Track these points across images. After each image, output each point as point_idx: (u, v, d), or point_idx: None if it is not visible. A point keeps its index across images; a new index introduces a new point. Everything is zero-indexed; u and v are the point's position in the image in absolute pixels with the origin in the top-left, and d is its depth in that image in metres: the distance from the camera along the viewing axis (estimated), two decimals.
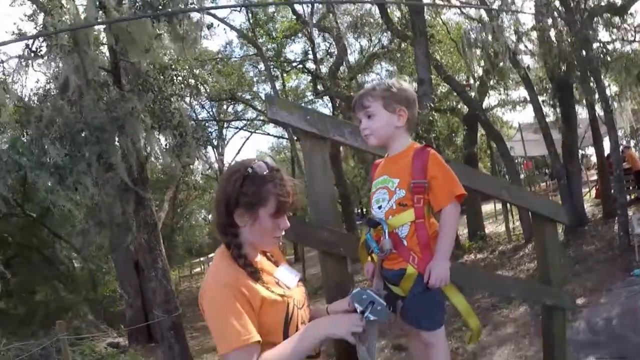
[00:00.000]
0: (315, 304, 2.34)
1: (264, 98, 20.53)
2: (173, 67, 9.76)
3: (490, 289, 3.46)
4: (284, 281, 1.95)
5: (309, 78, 22.35)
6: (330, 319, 1.93)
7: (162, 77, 9.05)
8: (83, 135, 7.82)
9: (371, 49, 20.57)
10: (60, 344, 7.75)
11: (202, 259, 29.54)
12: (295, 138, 14.98)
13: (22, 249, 16.60)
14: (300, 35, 20.30)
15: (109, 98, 8.48)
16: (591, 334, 6.97)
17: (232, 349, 1.68)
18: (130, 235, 9.23)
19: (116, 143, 8.48)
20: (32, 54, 8.48)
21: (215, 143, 24.52)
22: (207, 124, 22.25)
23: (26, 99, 9.43)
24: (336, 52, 19.22)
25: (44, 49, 8.59)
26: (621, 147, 20.39)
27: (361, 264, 2.45)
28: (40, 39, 8.50)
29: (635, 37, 15.31)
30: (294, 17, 19.31)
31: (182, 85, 9.57)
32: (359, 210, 37.60)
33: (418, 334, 2.28)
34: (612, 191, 13.76)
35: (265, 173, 1.83)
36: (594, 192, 20.02)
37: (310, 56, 20.82)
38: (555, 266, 3.70)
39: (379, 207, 2.24)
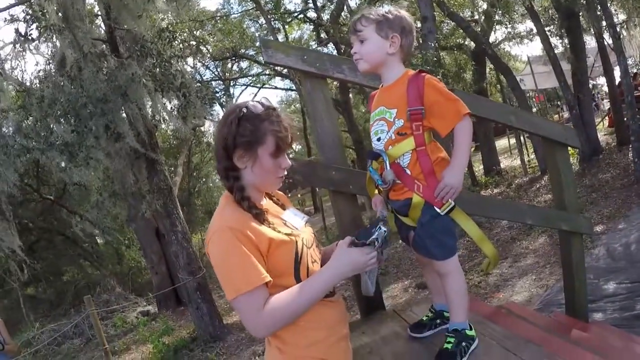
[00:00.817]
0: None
1: (259, 37, 20.29)
2: (171, 29, 9.63)
3: (505, 216, 3.44)
4: (291, 222, 1.92)
5: (312, 27, 22.02)
6: (342, 259, 1.82)
7: (159, 40, 8.92)
8: (87, 109, 7.77)
9: None
10: (91, 320, 7.88)
11: None
12: (299, 82, 14.82)
13: (43, 232, 16.85)
14: None
15: (108, 68, 8.42)
16: (611, 260, 6.97)
17: (239, 293, 1.66)
18: (145, 202, 9.26)
19: (122, 112, 8.46)
20: (22, 39, 8.42)
21: (224, 102, 24.42)
22: (213, 84, 22.13)
23: (28, 83, 9.40)
24: None
25: (35, 32, 8.53)
26: (634, 73, 20.12)
27: (370, 196, 2.42)
28: (30, 22, 8.43)
29: None
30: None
31: (181, 46, 9.45)
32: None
33: (431, 264, 2.27)
34: (625, 119, 13.63)
35: (260, 111, 1.79)
36: (607, 120, 19.84)
37: (311, 4, 20.47)
38: (570, 190, 3.67)
39: (378, 139, 2.21)
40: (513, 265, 8.10)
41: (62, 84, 8.22)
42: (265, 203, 1.95)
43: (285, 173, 1.91)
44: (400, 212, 2.23)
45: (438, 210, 2.10)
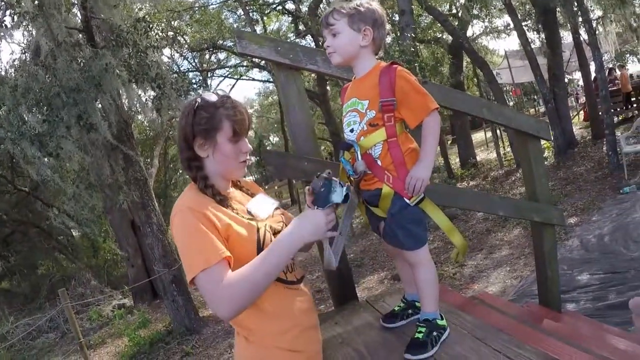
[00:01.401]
0: None
1: (233, 29, 20.18)
2: (148, 19, 9.52)
3: (477, 207, 3.48)
4: (256, 210, 1.92)
5: (290, 19, 21.95)
6: (299, 223, 1.77)
7: (136, 30, 8.81)
8: (60, 98, 7.66)
9: None
10: (66, 314, 7.81)
11: None
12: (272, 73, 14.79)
13: (18, 225, 16.62)
14: None
15: (83, 58, 8.31)
16: (584, 251, 7.09)
17: (198, 270, 1.62)
18: (122, 193, 9.19)
19: (97, 103, 8.36)
20: None
21: (201, 92, 24.25)
22: (190, 75, 21.98)
23: (2, 72, 9.23)
24: None
25: (9, 20, 8.38)
26: (616, 67, 20.40)
27: None
28: (4, 8, 8.30)
29: None
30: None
31: (158, 37, 9.33)
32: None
33: (402, 254, 2.28)
34: (600, 112, 13.83)
35: (215, 100, 1.83)
36: (582, 114, 20.11)
37: None
38: (542, 182, 3.71)
39: (351, 130, 2.22)
40: (488, 257, 8.18)
41: (36, 73, 8.10)
42: (232, 191, 1.97)
43: (248, 157, 1.92)
44: (370, 203, 2.24)
45: (407, 201, 2.13)
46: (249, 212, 1.89)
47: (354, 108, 2.21)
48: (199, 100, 1.84)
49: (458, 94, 3.27)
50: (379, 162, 2.15)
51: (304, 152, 2.67)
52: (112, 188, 9.67)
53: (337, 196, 1.78)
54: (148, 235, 9.44)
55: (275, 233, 1.88)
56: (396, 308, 2.57)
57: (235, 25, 21.87)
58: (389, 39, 11.24)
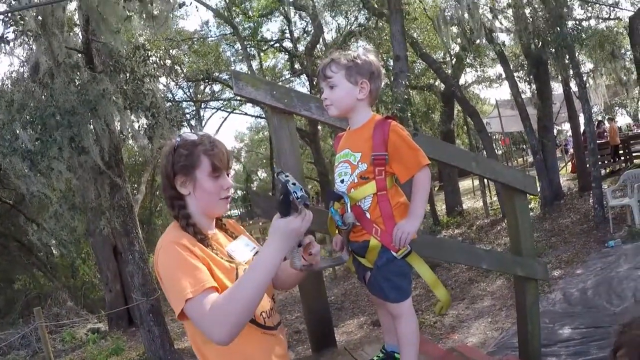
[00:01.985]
0: None
1: (231, 70, 20.38)
2: (146, 47, 9.60)
3: (461, 259, 3.49)
4: (235, 253, 1.92)
5: (286, 57, 22.18)
6: (275, 236, 1.69)
7: (134, 57, 8.88)
8: (55, 119, 7.66)
9: (348, 27, 20.44)
10: (39, 332, 7.69)
11: None
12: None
13: None
14: (276, 14, 20.12)
15: (80, 80, 8.34)
16: (567, 305, 7.08)
17: (186, 298, 1.59)
18: (104, 219, 9.12)
19: (90, 126, 8.35)
20: None
21: (193, 123, 24.29)
22: (184, 105, 22.05)
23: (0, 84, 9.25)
24: (313, 31, 19.07)
25: (11, 35, 8.42)
26: (605, 119, 20.71)
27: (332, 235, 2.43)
28: (7, 24, 8.33)
29: (610, 15, 15.50)
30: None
31: (156, 65, 9.41)
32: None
33: (385, 304, 2.28)
34: (587, 165, 13.97)
35: (194, 138, 1.87)
36: (570, 166, 20.31)
37: (287, 35, 20.65)
38: (526, 237, 3.74)
39: (342, 181, 2.23)
40: (470, 307, 8.16)
41: (33, 90, 8.12)
42: (215, 233, 1.96)
43: (230, 194, 1.93)
44: (358, 253, 2.24)
45: (394, 254, 2.14)
46: (229, 255, 1.89)
47: (347, 159, 2.23)
48: (178, 139, 1.88)
49: (448, 147, 3.32)
50: (368, 215, 2.16)
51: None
52: (95, 212, 9.59)
53: (299, 196, 1.69)
54: (129, 263, 9.34)
55: None
56: (375, 358, 2.55)
57: (232, 59, 22.07)
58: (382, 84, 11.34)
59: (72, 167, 8.41)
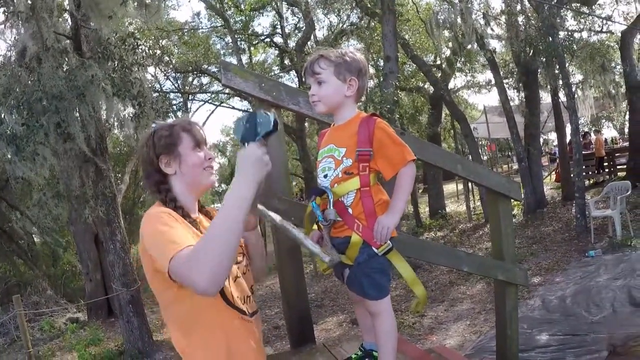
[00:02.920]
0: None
1: (219, 60, 20.31)
2: (136, 35, 9.52)
3: (443, 261, 3.50)
4: None
5: (276, 52, 22.17)
6: (239, 167, 1.64)
7: (124, 45, 8.80)
8: (41, 104, 7.58)
9: (340, 25, 20.45)
10: (17, 320, 7.62)
11: None
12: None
13: None
14: (269, 8, 20.10)
15: (69, 65, 8.25)
16: (545, 311, 7.14)
17: (171, 255, 1.57)
18: (89, 207, 9.04)
19: (76, 112, 8.26)
20: None
21: (180, 115, 24.13)
22: (171, 96, 21.95)
23: None
24: (304, 28, 19.07)
25: (1, 16, 8.34)
26: (591, 131, 20.95)
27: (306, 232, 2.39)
28: None
29: (602, 28, 15.64)
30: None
31: (144, 54, 9.31)
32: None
33: (363, 302, 2.27)
34: (572, 175, 14.09)
35: (169, 121, 1.98)
36: (554, 175, 20.47)
37: (279, 30, 20.64)
38: (509, 242, 3.75)
39: (325, 176, 2.22)
40: (449, 309, 8.19)
41: (20, 74, 8.01)
42: (199, 216, 1.98)
43: (212, 164, 1.96)
44: (338, 250, 2.23)
45: (375, 250, 2.13)
46: None
47: (331, 154, 2.22)
48: (154, 126, 1.97)
49: (434, 148, 3.32)
50: (350, 211, 2.15)
51: (276, 191, 2.66)
52: (80, 200, 9.51)
53: (265, 126, 1.65)
54: (110, 252, 9.27)
55: (237, 262, 1.93)
56: (353, 356, 2.54)
57: (222, 52, 22.01)
58: (371, 84, 11.39)
59: (58, 154, 8.34)
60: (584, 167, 13.33)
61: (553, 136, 26.79)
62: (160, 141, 1.87)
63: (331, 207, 2.12)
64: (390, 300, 2.24)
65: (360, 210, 2.14)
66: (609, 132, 33.44)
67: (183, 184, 1.90)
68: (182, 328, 1.80)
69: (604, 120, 31.01)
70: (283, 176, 2.73)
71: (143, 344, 9.24)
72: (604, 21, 15.27)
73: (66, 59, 8.34)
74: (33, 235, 16.05)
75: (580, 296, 7.33)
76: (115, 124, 9.17)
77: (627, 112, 20.27)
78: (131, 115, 8.84)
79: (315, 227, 2.33)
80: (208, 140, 1.99)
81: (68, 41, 8.77)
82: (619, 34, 15.01)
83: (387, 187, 2.24)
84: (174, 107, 21.49)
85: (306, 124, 19.36)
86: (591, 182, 17.19)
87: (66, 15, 9.41)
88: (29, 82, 7.87)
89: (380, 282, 2.18)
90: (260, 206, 1.92)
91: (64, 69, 8.11)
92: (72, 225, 12.75)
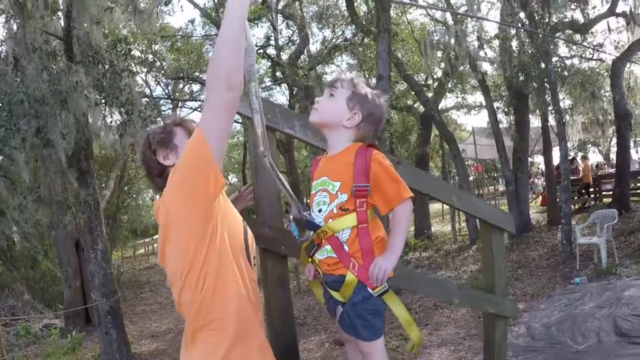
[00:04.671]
0: None
1: None
2: (129, 40, 9.39)
3: (434, 292, 3.42)
4: None
5: (269, 64, 22.09)
6: None
7: (115, 50, 8.67)
8: (22, 107, 7.39)
9: (334, 40, 20.45)
10: None
11: (146, 240, 29.03)
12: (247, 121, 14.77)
13: None
14: (263, 20, 20.03)
15: (57, 68, 8.09)
16: (530, 339, 7.06)
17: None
18: (70, 214, 8.87)
19: (59, 117, 8.09)
20: None
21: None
22: (160, 102, 21.82)
23: None
24: (298, 41, 19.05)
25: None
26: (579, 157, 21.18)
27: (302, 264, 2.34)
28: None
29: (593, 55, 15.82)
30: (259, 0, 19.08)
31: (135, 61, 9.21)
32: (308, 201, 38.13)
33: (355, 341, 2.17)
34: (558, 200, 14.18)
35: (162, 121, 2.13)
36: (540, 199, 20.62)
37: (272, 42, 20.58)
38: (501, 274, 3.70)
39: (319, 210, 2.12)
40: (433, 333, 8.08)
41: (5, 73, 7.85)
42: None
43: None
44: (331, 287, 2.14)
45: (371, 291, 2.04)
46: None
47: (324, 188, 2.12)
48: (148, 129, 2.12)
49: (430, 179, 3.27)
50: (346, 248, 2.05)
51: (266, 217, 2.56)
52: (61, 206, 9.34)
53: None
54: (91, 262, 9.10)
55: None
56: None
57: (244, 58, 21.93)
58: None
59: (39, 158, 8.18)
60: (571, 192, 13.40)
61: (538, 159, 27.01)
62: (155, 138, 2.02)
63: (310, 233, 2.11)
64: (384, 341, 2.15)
65: (357, 248, 2.04)
66: (594, 157, 33.79)
67: None
68: (200, 285, 1.81)
69: (589, 145, 31.30)
70: (274, 204, 2.62)
71: (121, 357, 9.05)
72: (595, 49, 15.41)
73: (54, 62, 8.20)
74: (14, 238, 15.81)
75: (565, 324, 7.26)
76: (101, 131, 9.02)
77: (614, 139, 20.49)
78: (118, 122, 8.71)
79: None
80: None
81: (58, 42, 8.62)
82: (610, 62, 15.16)
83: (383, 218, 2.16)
84: (163, 114, 21.42)
85: None
86: (576, 207, 17.29)
87: (60, 14, 9.25)
88: (13, 82, 7.70)
89: (374, 323, 2.08)
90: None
91: (50, 72, 7.93)
92: (53, 230, 12.55)
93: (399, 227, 2.06)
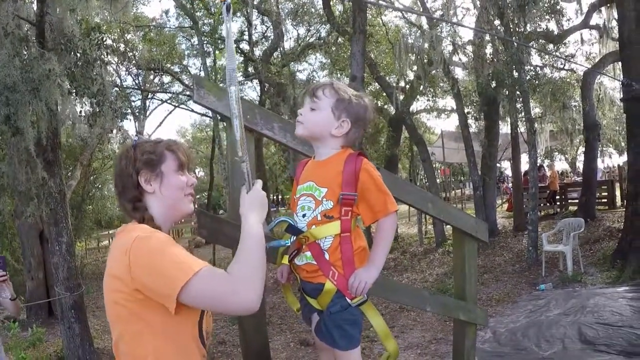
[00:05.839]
0: None
1: (192, 74, 20.16)
2: (102, 29, 9.20)
3: (406, 301, 3.41)
4: None
5: (242, 59, 21.99)
6: (249, 208, 1.83)
7: (88, 38, 8.47)
8: None
9: (308, 38, 20.43)
10: None
11: (111, 231, 28.57)
12: (219, 117, 14.69)
13: None
14: (238, 14, 19.91)
15: (29, 55, 7.87)
16: (496, 344, 7.12)
17: (188, 277, 1.54)
18: (33, 205, 8.63)
19: (29, 106, 7.89)
20: None
21: (137, 114, 23.72)
22: (130, 93, 21.57)
23: None
24: (272, 37, 18.97)
25: None
26: (546, 165, 21.55)
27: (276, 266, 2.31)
28: None
29: (564, 65, 16.08)
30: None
31: (108, 50, 9.00)
32: (274, 197, 38.08)
33: (331, 350, 2.14)
34: (525, 206, 14.38)
35: (152, 138, 1.92)
36: (506, 205, 20.88)
37: (246, 37, 20.47)
38: (471, 282, 3.72)
39: (304, 216, 2.07)
40: (399, 336, 8.10)
41: None
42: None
43: (192, 191, 1.92)
44: (309, 295, 2.10)
45: (349, 301, 2.01)
46: None
47: (310, 193, 2.07)
48: (135, 139, 1.88)
49: (406, 186, 3.24)
50: (327, 256, 2.01)
51: (239, 219, 2.51)
52: (24, 197, 9.11)
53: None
54: (55, 254, 8.87)
55: None
56: None
57: (186, 53, 21.77)
58: None
59: (5, 146, 7.97)
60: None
61: (505, 165, 27.37)
62: (142, 156, 1.79)
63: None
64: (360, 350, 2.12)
65: (337, 257, 2.01)
66: (560, 165, 34.34)
67: (161, 205, 1.82)
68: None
69: (556, 153, 31.79)
70: None
71: (84, 352, 8.85)
72: (567, 60, 15.65)
73: (26, 47, 7.99)
74: None
75: (531, 330, 7.34)
76: (70, 121, 8.82)
77: (581, 148, 20.84)
78: (88, 113, 8.53)
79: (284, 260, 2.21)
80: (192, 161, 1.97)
81: (31, 27, 8.39)
82: (581, 73, 15.42)
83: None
84: (133, 105, 21.16)
85: None
86: (542, 213, 17.55)
87: None
88: None
89: (352, 333, 2.04)
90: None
91: (22, 59, 7.73)
92: (17, 219, 12.27)
93: (383, 241, 2.04)
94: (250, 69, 20.64)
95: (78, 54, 8.23)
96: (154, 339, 1.64)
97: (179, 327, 1.65)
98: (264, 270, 1.65)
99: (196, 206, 2.04)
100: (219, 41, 20.30)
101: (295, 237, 2.07)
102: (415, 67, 16.31)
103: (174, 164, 1.83)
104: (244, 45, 20.98)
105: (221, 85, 2.79)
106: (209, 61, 20.85)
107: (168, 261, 1.57)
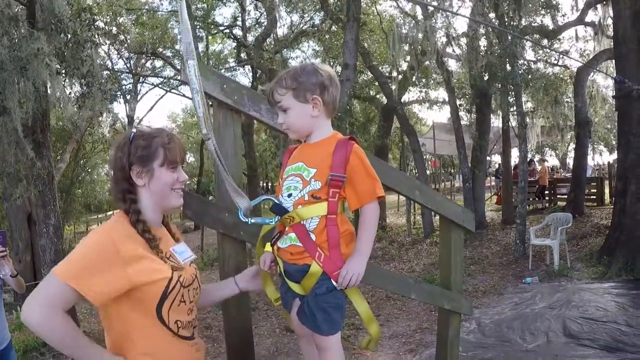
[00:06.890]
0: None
1: (182, 54, 19.93)
2: (93, 10, 9.12)
3: (390, 287, 3.40)
4: (177, 255, 1.96)
5: (234, 45, 21.85)
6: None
7: (79, 19, 8.39)
8: None
9: (301, 25, 20.32)
10: None
11: (100, 215, 28.49)
12: (209, 104, 14.61)
13: None
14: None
15: (18, 34, 7.78)
16: (481, 335, 7.14)
17: (55, 274, 1.64)
18: (21, 187, 8.56)
19: (17, 86, 7.81)
20: None
21: (128, 97, 23.50)
22: (121, 76, 21.40)
23: None
24: (266, 23, 18.86)
25: None
26: (536, 161, 21.64)
27: (257, 254, 2.30)
28: None
29: (558, 61, 16.11)
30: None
31: (99, 32, 8.93)
32: (264, 184, 38.05)
33: (310, 335, 2.13)
34: (514, 200, 14.44)
35: (150, 130, 1.93)
36: (495, 198, 20.95)
37: (239, 23, 20.35)
38: (457, 271, 3.73)
39: (289, 195, 2.05)
40: (385, 324, 8.11)
41: None
42: (161, 231, 1.98)
43: (183, 187, 1.98)
44: (291, 277, 2.07)
45: (335, 284, 1.99)
46: (172, 254, 1.94)
47: (298, 173, 2.05)
48: (134, 131, 1.91)
49: (394, 172, 3.22)
50: (313, 237, 1.99)
51: (227, 202, 2.49)
52: (12, 178, 9.03)
53: None
54: (43, 236, 8.85)
55: (187, 286, 1.92)
56: None
57: (179, 37, 21.57)
58: None
59: None
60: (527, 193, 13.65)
61: (495, 158, 27.44)
62: (136, 151, 1.85)
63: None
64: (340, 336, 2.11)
65: (324, 239, 1.99)
66: (550, 160, 34.47)
67: (150, 198, 1.91)
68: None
69: (547, 149, 31.89)
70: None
71: None
72: (560, 55, 15.68)
73: (15, 27, 7.89)
74: None
75: (515, 323, 7.37)
76: (59, 102, 8.74)
77: (572, 144, 20.91)
78: (77, 94, 8.46)
79: (268, 248, 2.19)
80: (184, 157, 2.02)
81: (21, 7, 8.29)
82: (574, 70, 15.44)
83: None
84: (124, 89, 20.98)
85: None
86: (531, 208, 17.63)
87: None
88: None
89: (335, 317, 2.04)
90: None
91: (11, 37, 7.65)
92: (5, 201, 12.19)
93: (368, 227, 2.03)
94: (243, 55, 20.52)
95: (68, 35, 8.16)
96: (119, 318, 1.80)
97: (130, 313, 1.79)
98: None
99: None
100: (212, 26, 20.17)
101: (279, 217, 2.06)
102: (408, 58, 16.28)
103: (165, 161, 1.88)
104: (237, 31, 20.88)
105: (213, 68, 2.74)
106: (201, 46, 20.73)
107: (76, 255, 1.69)
